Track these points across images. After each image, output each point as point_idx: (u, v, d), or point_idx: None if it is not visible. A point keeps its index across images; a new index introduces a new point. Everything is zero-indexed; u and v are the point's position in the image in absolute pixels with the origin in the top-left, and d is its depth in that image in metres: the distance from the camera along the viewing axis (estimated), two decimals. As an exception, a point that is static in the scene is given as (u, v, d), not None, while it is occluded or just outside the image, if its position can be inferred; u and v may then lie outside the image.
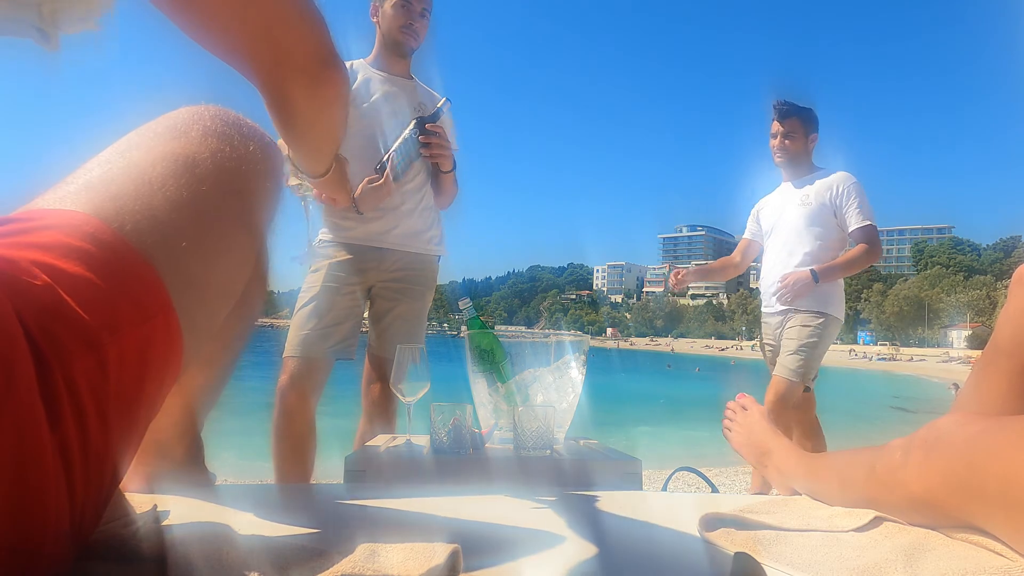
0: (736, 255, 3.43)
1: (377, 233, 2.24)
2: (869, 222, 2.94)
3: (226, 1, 0.61)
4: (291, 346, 2.18)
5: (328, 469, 2.43)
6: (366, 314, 2.38)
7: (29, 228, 0.54)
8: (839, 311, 3.05)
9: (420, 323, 2.38)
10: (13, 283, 0.47)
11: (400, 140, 2.17)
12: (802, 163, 3.10)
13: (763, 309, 3.22)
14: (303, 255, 2.24)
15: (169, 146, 0.65)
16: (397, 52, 2.30)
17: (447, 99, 2.28)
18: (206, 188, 0.64)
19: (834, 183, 2.99)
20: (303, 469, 2.19)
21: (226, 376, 0.91)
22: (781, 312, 3.07)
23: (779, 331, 3.08)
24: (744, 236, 3.39)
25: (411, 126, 2.19)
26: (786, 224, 3.08)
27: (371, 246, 2.26)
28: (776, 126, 3.07)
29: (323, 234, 2.28)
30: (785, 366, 2.95)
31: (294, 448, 2.17)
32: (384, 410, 2.28)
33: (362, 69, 2.30)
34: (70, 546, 0.50)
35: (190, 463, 0.96)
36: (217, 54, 0.65)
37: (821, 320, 2.98)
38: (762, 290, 3.22)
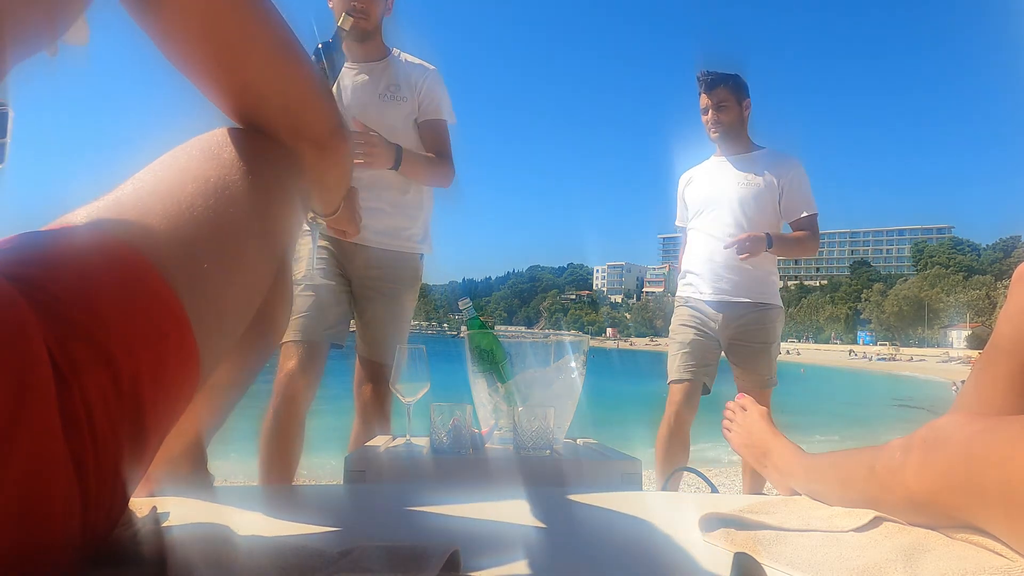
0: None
1: None
2: (815, 211, 2.83)
3: (249, 83, 0.67)
4: (289, 331, 2.13)
5: (327, 469, 2.43)
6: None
7: (52, 246, 0.55)
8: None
9: (400, 323, 2.33)
10: (35, 299, 0.48)
11: None
12: (739, 135, 2.88)
13: (692, 295, 2.89)
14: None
15: (202, 167, 0.67)
16: (352, 37, 2.15)
17: (348, 14, 1.95)
18: (234, 210, 0.65)
19: (788, 169, 2.83)
20: (293, 460, 2.16)
21: (240, 394, 0.92)
22: (728, 304, 2.80)
23: (726, 324, 2.80)
24: (678, 224, 3.08)
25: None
26: (728, 205, 2.82)
27: (349, 241, 2.18)
28: (705, 99, 2.85)
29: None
30: (764, 375, 2.79)
31: (290, 437, 2.13)
32: (375, 411, 2.25)
33: None
34: (78, 557, 0.51)
35: (192, 473, 0.96)
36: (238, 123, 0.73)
37: (779, 315, 2.85)
38: (693, 274, 2.90)
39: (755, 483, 2.70)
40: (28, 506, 0.44)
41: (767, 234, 2.71)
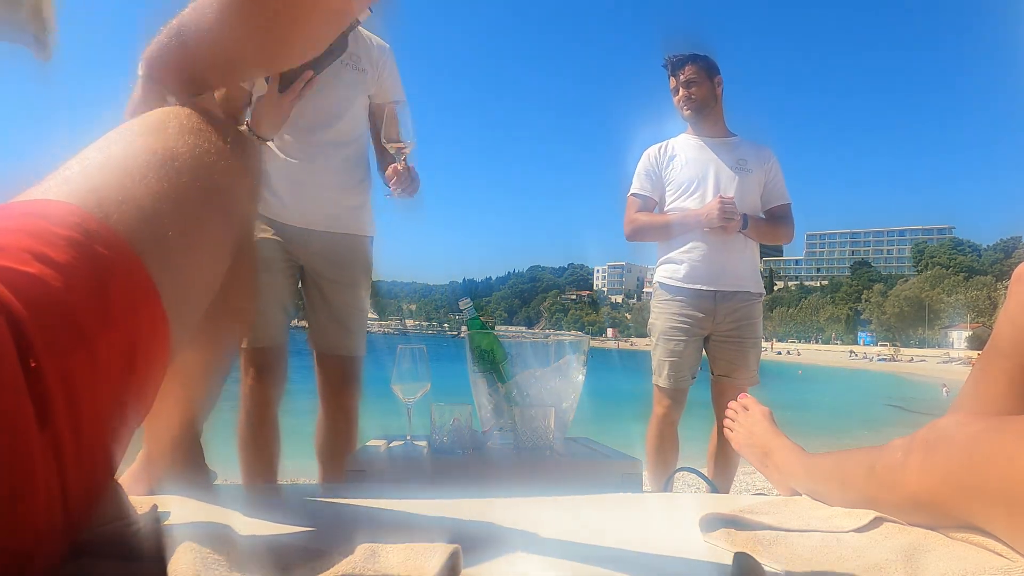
0: (651, 216, 2.84)
1: (300, 211, 2.04)
2: (790, 201, 2.82)
3: None
4: (244, 338, 1.98)
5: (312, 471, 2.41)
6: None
7: (17, 216, 0.53)
8: None
9: (360, 312, 2.17)
10: (5, 273, 0.46)
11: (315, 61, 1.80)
12: (713, 113, 2.77)
13: (685, 284, 2.69)
14: None
15: (147, 141, 0.66)
16: None
17: (370, 8, 1.75)
18: (186, 180, 0.65)
19: (768, 155, 2.81)
20: (273, 462, 2.12)
21: (223, 376, 0.91)
22: (727, 295, 2.67)
23: (723, 316, 2.67)
24: (641, 193, 2.83)
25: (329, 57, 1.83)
26: (723, 187, 2.68)
27: (294, 225, 2.05)
28: (673, 81, 2.78)
29: None
30: (752, 369, 2.72)
31: (266, 441, 2.09)
32: (340, 407, 2.15)
33: None
34: (63, 543, 0.50)
35: (191, 465, 0.96)
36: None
37: (761, 305, 2.81)
38: (685, 261, 2.70)
39: (723, 470, 2.67)
40: (4, 502, 0.42)
41: (743, 215, 2.65)
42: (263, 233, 2.01)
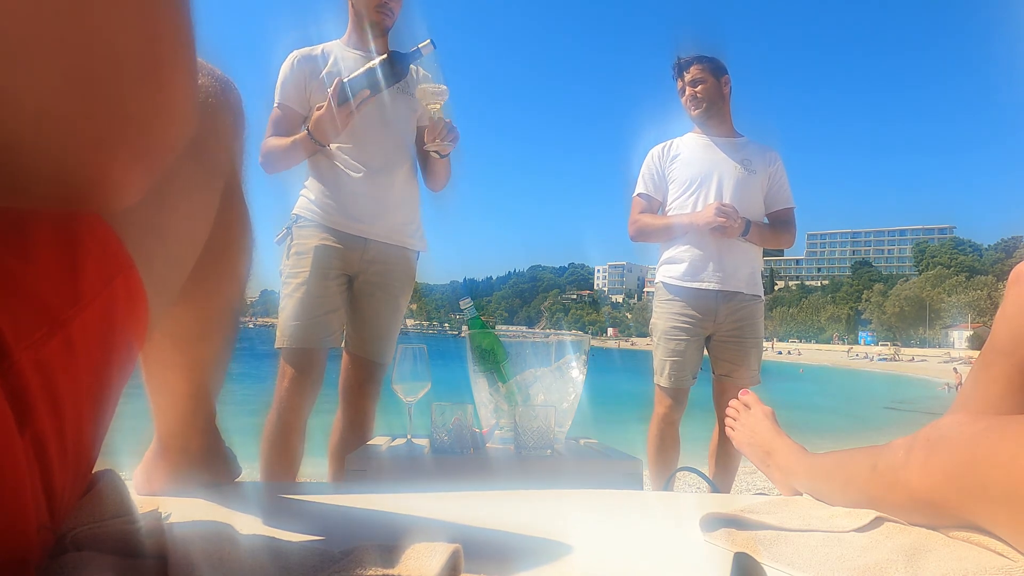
0: (653, 218, 2.86)
1: (361, 221, 2.16)
2: (794, 205, 2.83)
3: None
4: (288, 337, 2.08)
5: (325, 468, 2.42)
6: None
7: None
8: None
9: (397, 322, 2.30)
10: None
11: (361, 71, 1.98)
12: (721, 113, 2.78)
13: (687, 283, 2.70)
14: (282, 236, 2.20)
15: None
16: (372, 31, 2.20)
17: (431, 41, 2.01)
18: None
19: (774, 157, 2.80)
20: (295, 467, 2.15)
21: (228, 350, 0.86)
22: (729, 295, 2.68)
23: (724, 316, 2.68)
24: (645, 193, 2.86)
25: (378, 60, 2.00)
26: (722, 189, 2.69)
27: (354, 234, 2.16)
28: (680, 82, 2.79)
29: (302, 211, 2.17)
30: (753, 369, 2.72)
31: (291, 445, 2.11)
32: (365, 411, 2.23)
33: (336, 50, 2.20)
34: (50, 540, 0.49)
35: (209, 453, 0.93)
36: None
37: (763, 308, 2.80)
38: (686, 261, 2.71)
39: (724, 469, 2.68)
40: None
41: (745, 220, 2.65)
42: (324, 241, 2.13)
